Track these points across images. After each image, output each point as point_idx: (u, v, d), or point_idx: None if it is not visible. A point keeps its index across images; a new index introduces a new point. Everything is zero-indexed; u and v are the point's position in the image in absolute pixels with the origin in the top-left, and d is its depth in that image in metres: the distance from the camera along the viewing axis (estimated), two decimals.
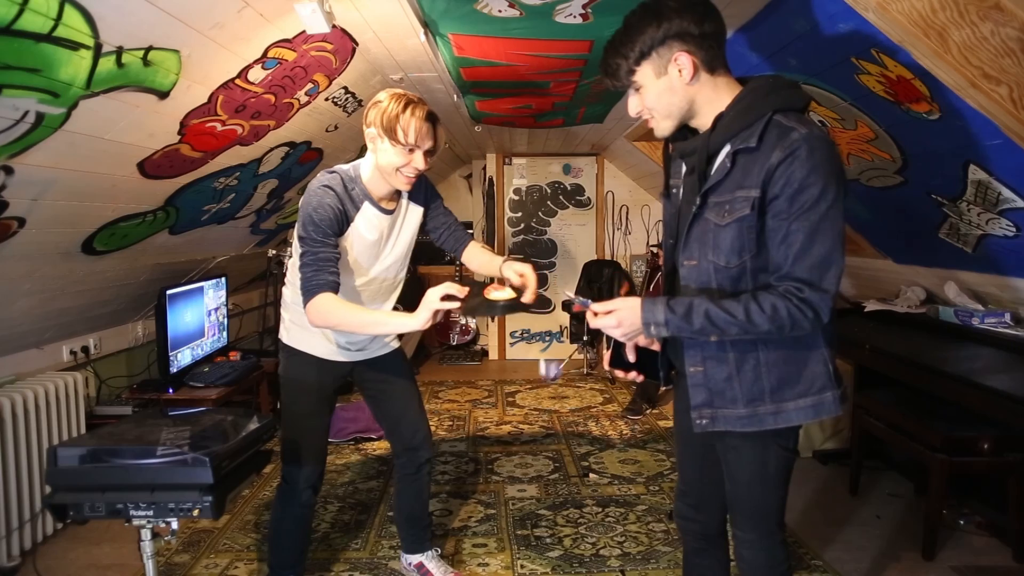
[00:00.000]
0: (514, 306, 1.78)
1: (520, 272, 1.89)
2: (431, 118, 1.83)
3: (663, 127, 1.39)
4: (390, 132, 1.79)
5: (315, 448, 2.08)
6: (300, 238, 1.82)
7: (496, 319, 6.04)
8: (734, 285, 1.35)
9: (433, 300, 1.67)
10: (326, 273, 1.78)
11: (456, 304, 1.66)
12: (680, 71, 1.29)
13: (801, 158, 1.22)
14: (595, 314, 1.40)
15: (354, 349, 2.08)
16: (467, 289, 1.70)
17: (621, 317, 1.36)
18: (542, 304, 6.13)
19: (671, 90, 1.32)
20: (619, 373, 1.52)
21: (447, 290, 1.67)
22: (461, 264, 2.08)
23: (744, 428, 1.39)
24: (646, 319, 1.34)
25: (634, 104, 1.40)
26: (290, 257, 2.04)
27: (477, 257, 2.15)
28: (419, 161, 1.84)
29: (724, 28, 1.32)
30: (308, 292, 1.77)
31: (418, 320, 1.69)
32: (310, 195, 1.83)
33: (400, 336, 2.18)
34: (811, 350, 1.37)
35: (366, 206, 1.91)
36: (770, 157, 1.25)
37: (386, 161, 1.84)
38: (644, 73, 1.32)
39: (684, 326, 1.32)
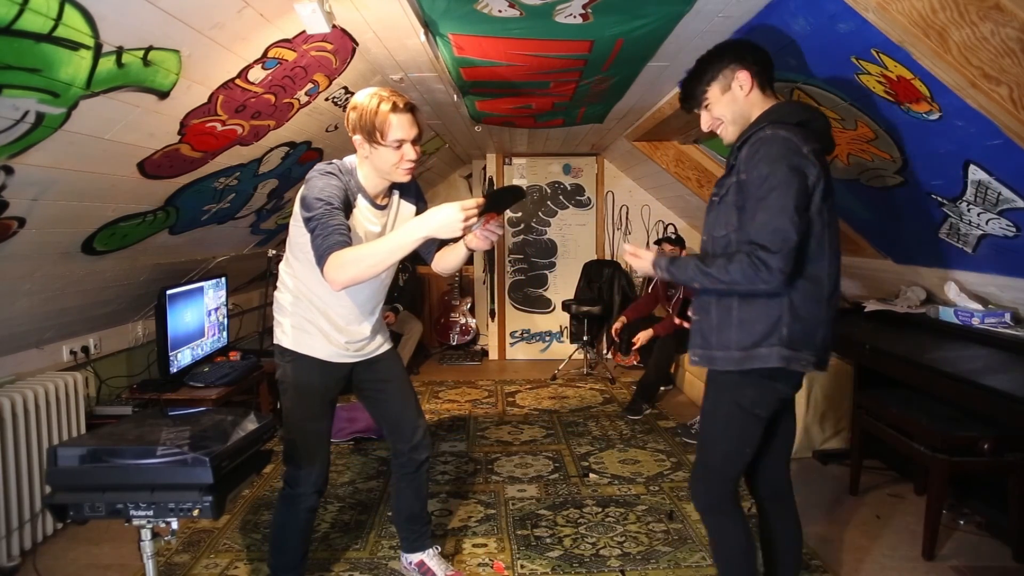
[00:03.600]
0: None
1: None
2: (408, 108, 1.84)
3: (730, 132, 1.80)
4: (373, 136, 1.82)
5: (320, 452, 2.07)
6: (307, 219, 1.77)
7: (497, 317, 6.06)
8: (724, 252, 1.72)
9: (455, 214, 1.64)
10: (337, 235, 1.73)
11: (474, 213, 1.67)
12: (740, 86, 1.74)
13: (759, 151, 1.64)
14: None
15: (353, 350, 2.08)
16: (481, 200, 1.71)
17: (642, 254, 1.85)
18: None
19: (734, 100, 1.77)
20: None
21: (461, 205, 1.65)
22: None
23: (723, 367, 1.74)
24: (655, 262, 1.82)
25: (705, 120, 1.83)
26: (286, 262, 2.04)
27: (444, 257, 2.13)
28: (410, 152, 1.87)
29: (771, 60, 1.77)
30: (323, 256, 1.71)
31: (444, 215, 1.65)
32: (314, 178, 1.83)
33: (395, 340, 2.18)
34: (773, 311, 1.67)
35: (360, 199, 1.94)
36: (743, 152, 1.69)
37: (381, 162, 1.87)
38: (713, 92, 1.78)
39: (677, 273, 1.78)
